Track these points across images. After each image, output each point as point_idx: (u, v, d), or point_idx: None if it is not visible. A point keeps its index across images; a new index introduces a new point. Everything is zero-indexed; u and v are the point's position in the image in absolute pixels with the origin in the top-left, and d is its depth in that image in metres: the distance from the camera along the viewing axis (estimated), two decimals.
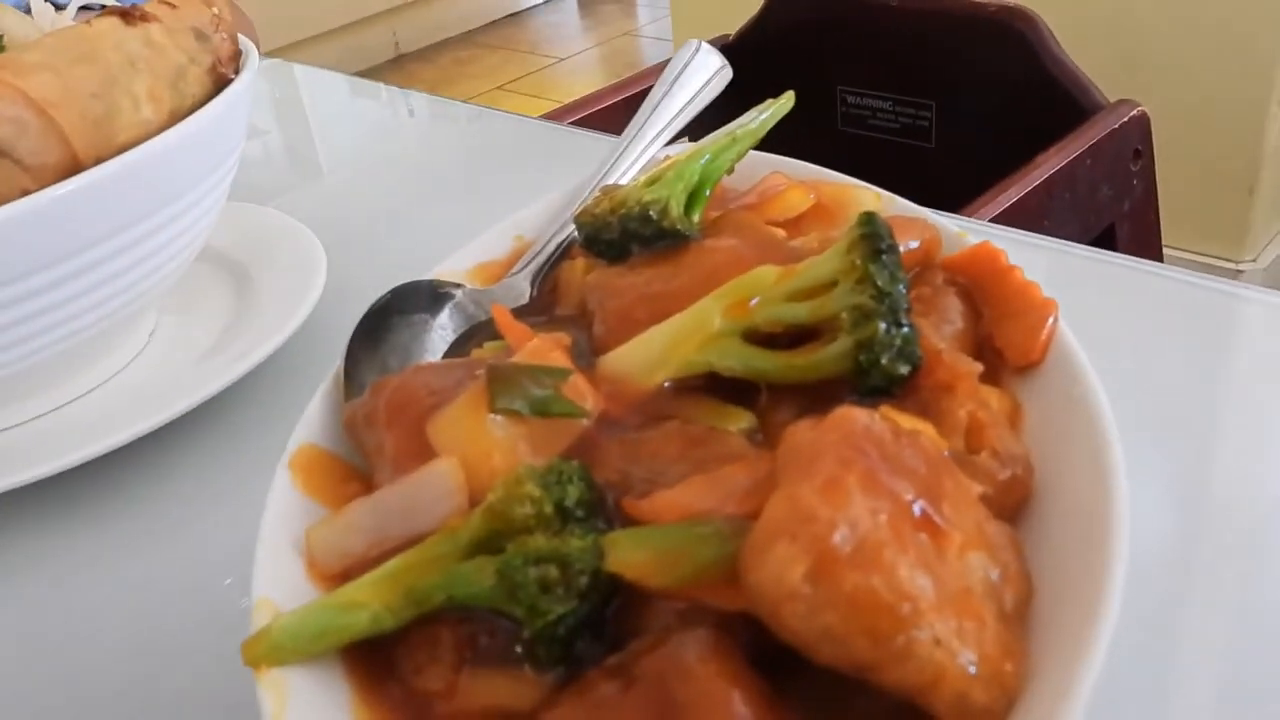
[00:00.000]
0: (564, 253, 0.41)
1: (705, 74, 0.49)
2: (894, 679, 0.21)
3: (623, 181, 0.43)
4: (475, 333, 0.39)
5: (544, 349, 0.31)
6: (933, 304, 0.33)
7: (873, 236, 0.29)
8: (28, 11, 0.51)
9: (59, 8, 0.54)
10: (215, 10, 0.46)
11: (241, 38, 0.48)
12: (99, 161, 0.38)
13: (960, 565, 0.23)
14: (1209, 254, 1.78)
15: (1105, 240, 0.99)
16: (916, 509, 0.22)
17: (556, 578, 0.24)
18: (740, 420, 0.29)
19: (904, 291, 0.29)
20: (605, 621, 0.25)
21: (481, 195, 0.69)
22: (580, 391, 0.30)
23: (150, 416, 0.43)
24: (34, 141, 0.37)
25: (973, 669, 0.21)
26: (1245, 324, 0.49)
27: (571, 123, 0.99)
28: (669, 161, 0.38)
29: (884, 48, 1.15)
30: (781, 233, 0.37)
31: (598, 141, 0.73)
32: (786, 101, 0.40)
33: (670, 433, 0.29)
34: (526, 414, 0.29)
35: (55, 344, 0.42)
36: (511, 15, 3.66)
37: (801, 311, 0.30)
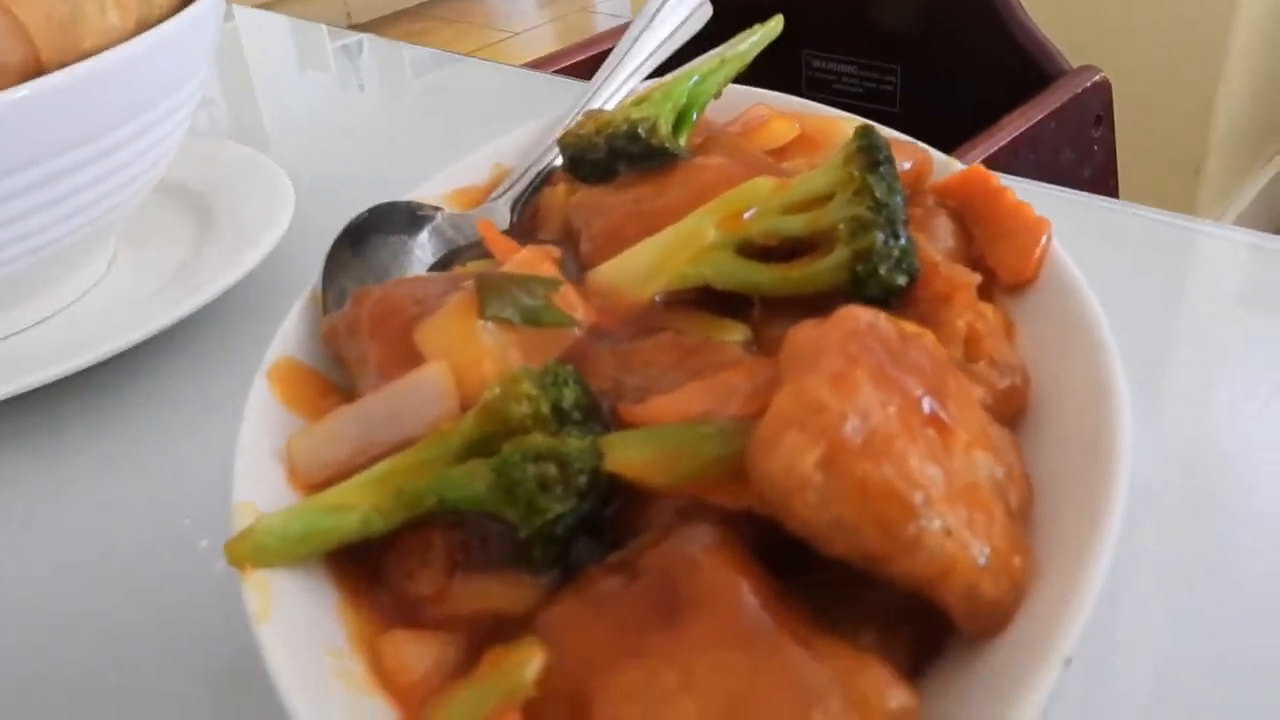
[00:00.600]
0: (545, 179, 0.40)
1: (685, 9, 0.48)
2: (904, 570, 0.21)
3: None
4: (454, 257, 0.38)
5: (534, 259, 0.30)
6: (924, 225, 0.32)
7: (871, 149, 0.29)
8: None
9: None
10: None
11: None
12: (62, 66, 0.36)
13: (967, 461, 0.22)
14: None
15: None
16: (925, 405, 0.22)
17: (555, 476, 0.23)
18: (735, 333, 0.29)
19: (901, 203, 0.29)
20: (603, 524, 0.24)
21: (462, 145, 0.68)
22: (571, 302, 0.29)
23: (110, 341, 0.41)
24: None
25: (983, 560, 0.21)
26: (1204, 259, 0.50)
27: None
28: (656, 84, 0.37)
29: (849, 12, 1.14)
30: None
31: (569, 89, 0.72)
32: (775, 25, 0.39)
33: (664, 343, 0.28)
34: (517, 322, 0.28)
35: (12, 261, 0.40)
36: None
37: (797, 224, 0.29)
